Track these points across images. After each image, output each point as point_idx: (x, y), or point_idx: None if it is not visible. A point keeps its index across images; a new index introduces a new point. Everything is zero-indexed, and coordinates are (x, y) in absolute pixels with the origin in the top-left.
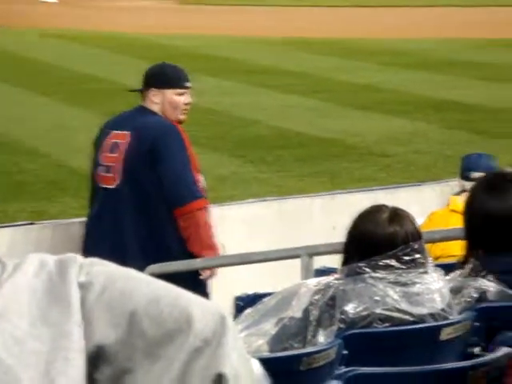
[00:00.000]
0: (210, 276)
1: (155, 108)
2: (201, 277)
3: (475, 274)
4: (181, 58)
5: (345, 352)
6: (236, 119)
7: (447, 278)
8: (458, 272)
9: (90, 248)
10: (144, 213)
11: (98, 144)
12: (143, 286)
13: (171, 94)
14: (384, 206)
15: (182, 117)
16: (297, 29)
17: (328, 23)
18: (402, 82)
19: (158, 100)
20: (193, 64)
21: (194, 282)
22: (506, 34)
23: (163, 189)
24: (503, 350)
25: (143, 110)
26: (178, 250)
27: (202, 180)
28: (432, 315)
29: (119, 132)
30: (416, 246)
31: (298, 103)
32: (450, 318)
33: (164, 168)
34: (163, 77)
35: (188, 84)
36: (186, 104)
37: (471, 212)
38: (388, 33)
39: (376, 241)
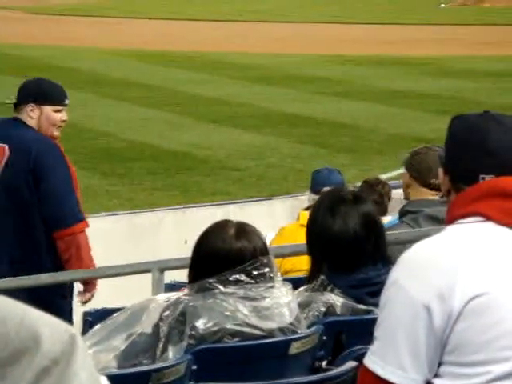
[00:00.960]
0: (90, 298)
1: (31, 122)
2: (78, 300)
3: (323, 288)
4: (29, 69)
5: (194, 367)
6: (86, 131)
7: (295, 292)
8: (305, 286)
9: None
10: (20, 232)
11: None
12: None
13: (49, 111)
14: (229, 221)
15: (56, 133)
16: (148, 42)
17: (181, 37)
18: (252, 95)
19: (35, 115)
20: (42, 75)
21: (61, 299)
22: (340, 50)
23: (43, 209)
24: (350, 364)
25: (18, 124)
26: (51, 271)
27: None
28: (281, 329)
29: None
30: (265, 261)
31: (150, 116)
32: (299, 331)
33: (46, 187)
34: (42, 93)
35: (66, 101)
36: (62, 121)
37: (314, 231)
38: (237, 47)
39: (224, 256)
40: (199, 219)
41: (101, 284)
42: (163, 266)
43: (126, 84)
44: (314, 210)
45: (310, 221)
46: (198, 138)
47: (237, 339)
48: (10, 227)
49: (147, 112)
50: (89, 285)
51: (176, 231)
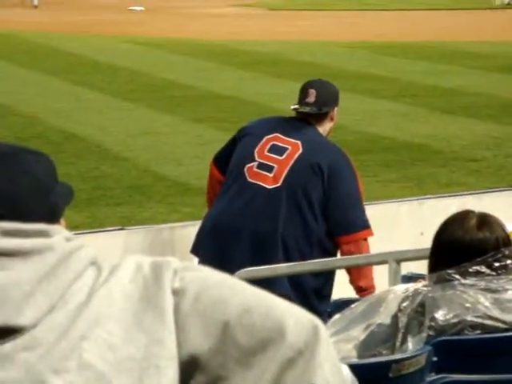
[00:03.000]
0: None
1: (327, 129)
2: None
3: None
4: (267, 64)
5: (435, 359)
6: None
7: None
8: None
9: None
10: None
11: (248, 138)
12: (237, 295)
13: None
14: (471, 211)
15: None
16: (376, 34)
17: (401, 27)
18: (488, 84)
19: (335, 119)
20: (277, 69)
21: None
22: None
23: (330, 213)
24: None
25: (311, 127)
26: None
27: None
28: None
29: (285, 138)
30: (507, 252)
31: (384, 108)
32: None
33: (337, 195)
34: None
35: None
36: None
37: None
38: (468, 35)
39: (465, 247)
40: (435, 211)
41: (337, 275)
42: (400, 257)
43: (359, 76)
44: None
45: None
46: (433, 129)
47: (478, 331)
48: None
49: (380, 104)
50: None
51: (412, 223)
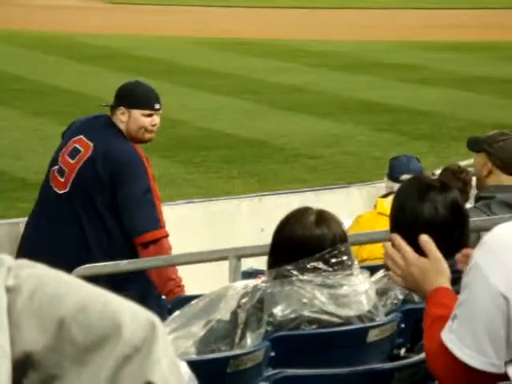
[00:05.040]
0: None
1: (121, 126)
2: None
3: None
4: (106, 58)
5: (272, 354)
6: (164, 120)
7: (373, 279)
8: (383, 273)
9: (29, 247)
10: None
11: (62, 141)
12: (73, 292)
13: (138, 114)
14: (309, 208)
15: (147, 136)
16: (224, 30)
17: (253, 24)
18: (329, 83)
19: (125, 119)
20: (119, 64)
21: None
22: (431, 36)
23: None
24: None
25: (110, 126)
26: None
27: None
28: (359, 317)
29: (84, 139)
30: (343, 249)
31: (226, 104)
32: (377, 319)
33: (124, 195)
34: (133, 97)
35: (157, 106)
36: (152, 125)
37: (403, 218)
38: (314, 34)
39: (304, 243)
40: (276, 207)
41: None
42: (240, 254)
43: (202, 72)
44: (400, 198)
45: (396, 209)
46: (275, 126)
47: (314, 326)
48: (82, 217)
49: (223, 100)
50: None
51: (252, 219)
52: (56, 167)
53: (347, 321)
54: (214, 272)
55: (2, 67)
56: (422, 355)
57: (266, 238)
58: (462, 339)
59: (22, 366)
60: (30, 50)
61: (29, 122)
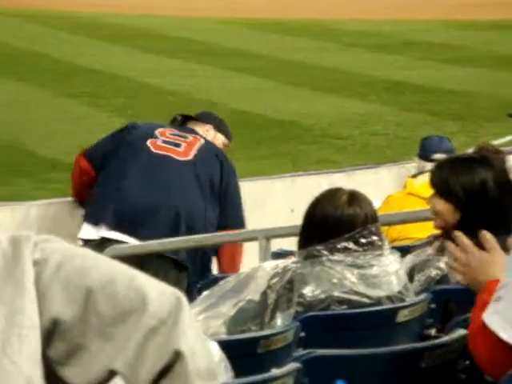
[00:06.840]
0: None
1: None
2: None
3: (441, 253)
4: (138, 38)
5: (302, 334)
6: (195, 101)
7: (410, 256)
8: (419, 251)
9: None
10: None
11: (140, 128)
12: (101, 266)
13: (221, 138)
14: (341, 188)
15: None
16: (263, 10)
17: (285, 4)
18: (357, 63)
19: (210, 136)
20: (151, 44)
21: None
22: (461, 15)
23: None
24: (460, 332)
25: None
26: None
27: None
28: (389, 297)
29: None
30: (373, 229)
31: (255, 86)
32: (407, 300)
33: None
34: (224, 125)
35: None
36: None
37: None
38: (343, 14)
39: (336, 223)
40: (305, 188)
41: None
42: (269, 234)
43: (235, 54)
44: (443, 176)
45: (442, 185)
46: (302, 107)
47: (344, 307)
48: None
49: (253, 82)
50: None
51: (282, 200)
52: (159, 139)
53: (377, 301)
54: (245, 253)
55: (30, 46)
56: (453, 335)
57: (296, 219)
58: (509, 320)
59: (50, 335)
60: (57, 30)
61: (59, 102)
